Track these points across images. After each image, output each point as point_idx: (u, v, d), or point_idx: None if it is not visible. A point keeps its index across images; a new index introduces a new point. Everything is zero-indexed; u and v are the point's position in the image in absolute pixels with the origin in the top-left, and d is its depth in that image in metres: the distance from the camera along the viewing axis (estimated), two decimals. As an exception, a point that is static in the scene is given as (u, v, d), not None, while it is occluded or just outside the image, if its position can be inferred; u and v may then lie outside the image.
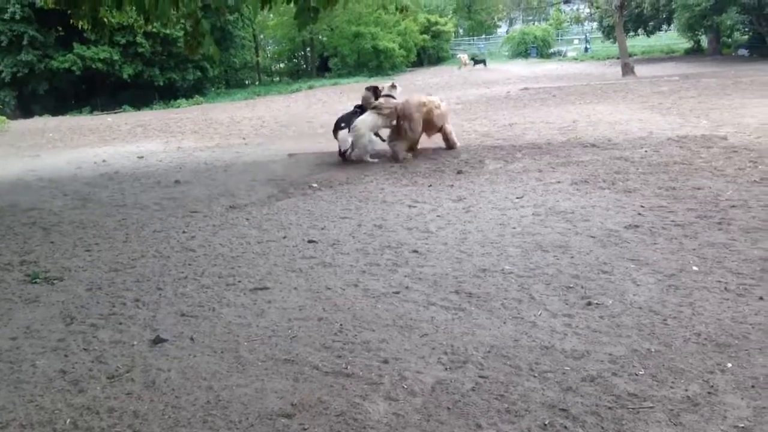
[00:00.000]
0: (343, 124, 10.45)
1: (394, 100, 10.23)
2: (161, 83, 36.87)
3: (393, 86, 10.52)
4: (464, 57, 42.85)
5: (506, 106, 17.47)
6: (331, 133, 10.89)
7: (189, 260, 5.70)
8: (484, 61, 41.32)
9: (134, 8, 7.57)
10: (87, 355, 3.90)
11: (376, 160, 9.96)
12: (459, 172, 8.76)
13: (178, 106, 33.19)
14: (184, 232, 6.71)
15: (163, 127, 19.91)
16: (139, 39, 34.38)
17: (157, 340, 4.00)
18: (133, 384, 3.50)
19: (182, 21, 9.14)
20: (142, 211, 7.81)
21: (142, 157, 12.86)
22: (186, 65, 37.13)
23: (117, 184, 9.74)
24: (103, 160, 12.77)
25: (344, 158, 10.36)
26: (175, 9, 8.43)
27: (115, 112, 31.31)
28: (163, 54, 36.34)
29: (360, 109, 10.87)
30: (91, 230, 7.02)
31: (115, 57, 34.79)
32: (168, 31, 31.61)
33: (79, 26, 10.35)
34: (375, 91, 10.87)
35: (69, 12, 10.03)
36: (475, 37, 61.98)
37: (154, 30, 29.00)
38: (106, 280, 5.30)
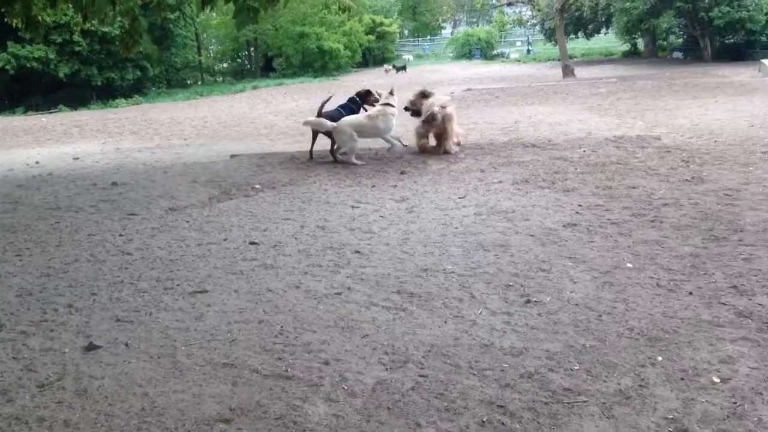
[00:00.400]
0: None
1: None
2: (99, 83, 35.92)
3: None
4: (387, 66, 42.95)
5: (450, 107, 17.60)
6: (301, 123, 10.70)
7: (125, 264, 5.58)
8: (404, 67, 41.32)
9: (70, 5, 7.36)
10: (16, 363, 3.77)
11: (361, 162, 9.77)
12: (402, 173, 8.80)
13: (117, 106, 32.40)
14: (120, 235, 6.56)
15: (101, 128, 19.44)
16: (75, 37, 33.41)
17: (90, 347, 3.90)
18: (64, 392, 3.40)
19: (120, 19, 8.90)
20: (76, 214, 7.60)
21: (77, 159, 12.52)
22: (125, 64, 36.24)
23: (50, 187, 9.46)
24: (37, 162, 12.39)
25: (333, 157, 10.13)
26: (112, 6, 8.24)
27: (51, 112, 30.38)
28: (101, 53, 35.41)
29: (354, 104, 10.80)
30: (22, 234, 6.80)
31: (51, 56, 33.75)
32: (106, 29, 30.71)
33: (13, 24, 10.04)
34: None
35: (2, 10, 9.71)
36: (420, 38, 62.40)
37: (92, 28, 28.21)
38: (37, 285, 5.14)
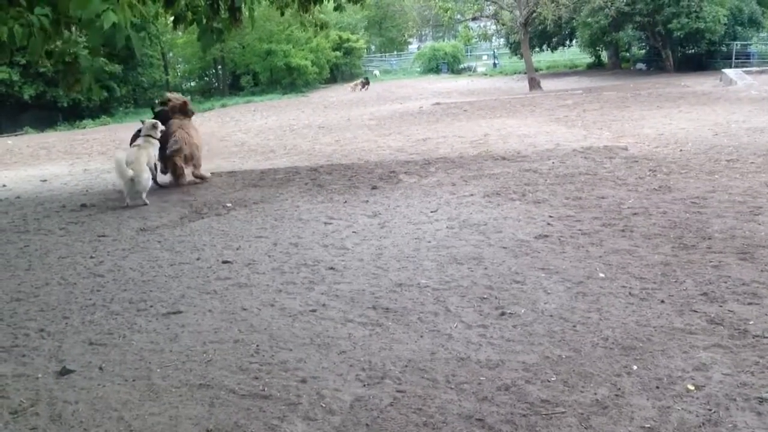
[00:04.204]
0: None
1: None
2: (65, 104, 35.45)
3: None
4: (352, 84, 42.35)
5: (419, 121, 17.73)
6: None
7: (97, 286, 5.49)
8: (367, 82, 40.71)
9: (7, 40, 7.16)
10: (-13, 391, 3.69)
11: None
12: (374, 188, 8.81)
13: (84, 127, 32.00)
14: (91, 257, 6.46)
15: (68, 149, 19.17)
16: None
17: (64, 372, 3.83)
18: (38, 418, 3.33)
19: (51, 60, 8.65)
20: (46, 236, 7.48)
21: (45, 181, 12.33)
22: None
23: (18, 210, 9.29)
24: (3, 185, 12.17)
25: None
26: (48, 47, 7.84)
27: (16, 135, 29.90)
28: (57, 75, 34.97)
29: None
30: (-9, 259, 6.67)
31: (15, 77, 33.26)
32: (72, 51, 30.47)
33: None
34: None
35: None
36: (387, 54, 62.69)
37: (56, 49, 27.92)
38: (7, 310, 5.03)
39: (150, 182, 9.03)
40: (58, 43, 7.45)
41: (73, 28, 7.45)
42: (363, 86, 39.24)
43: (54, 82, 34.47)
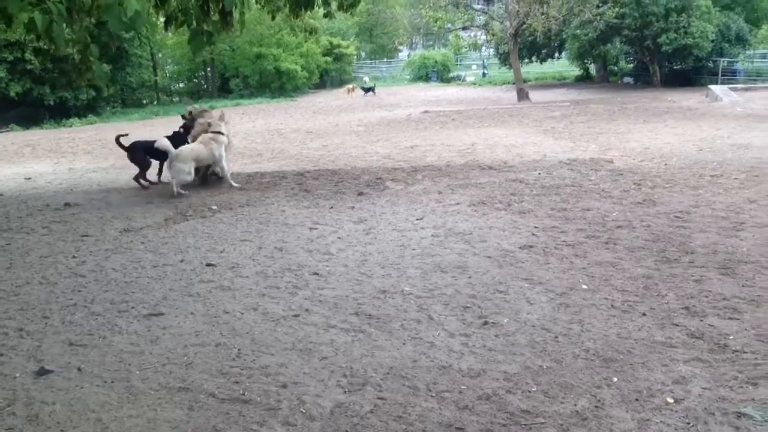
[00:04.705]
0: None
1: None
2: (52, 102, 35.14)
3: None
4: (349, 86, 42.34)
5: (407, 129, 17.74)
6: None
7: (78, 286, 5.45)
8: (372, 89, 40.33)
9: (24, 30, 7.16)
10: (-37, 390, 3.65)
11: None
12: (360, 194, 8.81)
13: (71, 126, 31.74)
14: (73, 257, 6.41)
15: (54, 147, 19.01)
16: (27, 55, 32.74)
17: (42, 372, 3.80)
18: (15, 418, 3.30)
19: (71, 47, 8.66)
20: (28, 235, 7.42)
21: (29, 179, 12.22)
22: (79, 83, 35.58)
23: (1, 208, 9.20)
24: (-13, 182, 12.07)
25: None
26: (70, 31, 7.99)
27: (1, 132, 29.65)
28: (54, 71, 34.72)
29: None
30: (-29, 256, 6.60)
31: (2, 74, 32.99)
32: (69, 45, 30.15)
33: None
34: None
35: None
36: (377, 61, 62.81)
37: (44, 46, 27.70)
38: (-14, 309, 4.98)
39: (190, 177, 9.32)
40: (73, 29, 7.43)
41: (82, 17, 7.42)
42: (366, 92, 39.19)
43: (41, 80, 34.29)
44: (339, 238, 6.69)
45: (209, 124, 9.81)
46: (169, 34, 38.89)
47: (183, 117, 10.94)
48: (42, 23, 5.26)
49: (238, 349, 4.05)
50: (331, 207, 8.17)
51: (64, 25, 6.66)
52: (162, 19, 8.96)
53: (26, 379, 3.76)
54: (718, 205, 7.21)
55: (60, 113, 35.37)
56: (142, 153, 10.21)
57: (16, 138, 24.28)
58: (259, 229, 7.19)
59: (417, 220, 7.27)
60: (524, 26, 28.42)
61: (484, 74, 49.44)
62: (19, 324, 4.64)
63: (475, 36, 37.85)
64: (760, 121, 15.36)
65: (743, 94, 23.76)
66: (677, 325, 4.15)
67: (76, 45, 8.36)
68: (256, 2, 10.16)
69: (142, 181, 10.22)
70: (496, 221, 7.02)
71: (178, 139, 10.26)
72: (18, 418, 3.31)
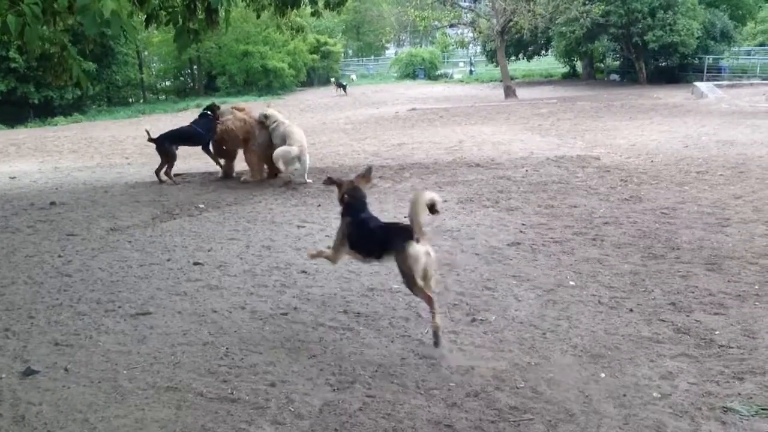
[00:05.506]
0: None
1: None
2: (37, 101, 34.91)
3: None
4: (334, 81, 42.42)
5: (395, 127, 17.76)
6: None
7: (64, 286, 5.41)
8: (344, 86, 40.27)
9: None
10: (-52, 391, 3.61)
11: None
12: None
13: (56, 125, 31.53)
14: (59, 256, 6.36)
15: (39, 146, 18.88)
16: (11, 54, 32.47)
17: (28, 372, 3.77)
18: (1, 419, 3.27)
19: (47, 47, 8.58)
20: (13, 235, 7.35)
21: (14, 178, 12.12)
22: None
23: (-14, 207, 9.14)
24: (-29, 181, 11.96)
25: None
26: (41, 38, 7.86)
27: (-14, 130, 29.41)
28: (38, 70, 34.44)
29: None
30: (-44, 256, 6.54)
31: (-15, 74, 32.74)
32: (45, 46, 29.97)
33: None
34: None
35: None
36: (364, 58, 62.77)
37: (49, 37, 27.37)
38: (-29, 309, 4.94)
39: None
40: (50, 30, 7.38)
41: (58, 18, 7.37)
42: (338, 88, 39.12)
43: (26, 78, 33.99)
44: (327, 236, 6.66)
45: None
46: (155, 32, 38.68)
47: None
48: (15, 26, 5.22)
49: (226, 348, 4.04)
50: (319, 205, 8.15)
51: (44, 26, 6.61)
52: (143, 16, 8.88)
53: (12, 379, 3.73)
54: (704, 202, 7.26)
55: (45, 112, 35.13)
56: (169, 144, 10.29)
57: (0, 137, 24.07)
58: (247, 228, 7.17)
59: (404, 217, 7.24)
60: (511, 24, 28.50)
61: (471, 72, 49.55)
62: (5, 324, 4.59)
63: (462, 33, 37.90)
64: (744, 117, 15.48)
65: (728, 90, 23.95)
66: (664, 320, 4.17)
67: (53, 46, 8.28)
68: (242, 0, 10.13)
69: (163, 176, 10.25)
70: (484, 218, 7.03)
71: (206, 125, 10.36)
72: (4, 419, 3.28)
